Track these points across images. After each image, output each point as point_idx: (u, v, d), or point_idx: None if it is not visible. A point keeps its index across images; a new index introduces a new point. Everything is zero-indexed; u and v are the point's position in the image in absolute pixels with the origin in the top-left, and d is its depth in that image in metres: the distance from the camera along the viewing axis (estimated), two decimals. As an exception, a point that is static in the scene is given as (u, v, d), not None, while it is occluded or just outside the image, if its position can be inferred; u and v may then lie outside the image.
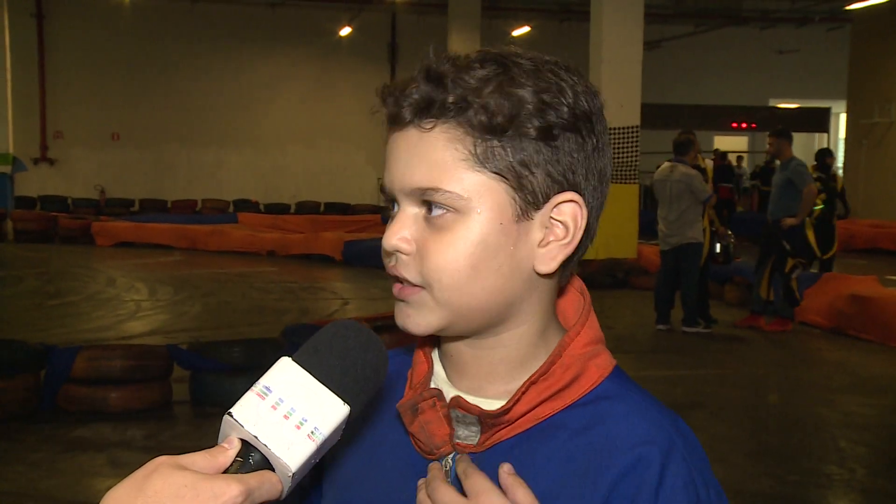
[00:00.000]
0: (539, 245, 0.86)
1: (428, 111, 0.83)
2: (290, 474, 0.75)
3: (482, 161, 0.83)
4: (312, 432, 0.76)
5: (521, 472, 0.83)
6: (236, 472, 0.74)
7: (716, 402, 6.40)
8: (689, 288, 8.58)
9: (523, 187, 0.84)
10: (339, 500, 0.97)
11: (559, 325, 0.93)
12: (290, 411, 0.76)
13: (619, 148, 9.40)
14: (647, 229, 10.80)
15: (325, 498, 0.99)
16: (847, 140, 20.26)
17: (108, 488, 0.72)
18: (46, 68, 20.66)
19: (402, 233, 0.86)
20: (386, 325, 5.77)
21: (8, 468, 4.85)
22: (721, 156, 19.00)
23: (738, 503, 4.38)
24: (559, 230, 0.86)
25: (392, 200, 0.88)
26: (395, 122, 0.86)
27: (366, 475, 0.95)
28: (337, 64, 22.42)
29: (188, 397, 6.00)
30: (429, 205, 0.85)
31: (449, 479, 0.85)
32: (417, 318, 0.87)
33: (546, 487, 0.82)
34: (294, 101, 22.16)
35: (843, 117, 23.27)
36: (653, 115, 15.62)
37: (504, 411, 0.86)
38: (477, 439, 0.88)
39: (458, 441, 0.89)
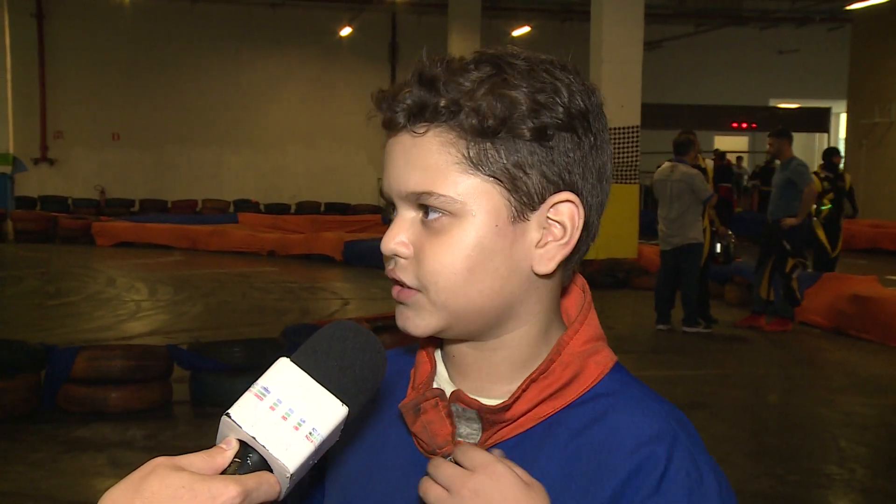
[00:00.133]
0: (536, 246, 0.86)
1: (421, 116, 0.84)
2: (289, 475, 0.75)
3: (476, 164, 0.83)
4: (310, 433, 0.76)
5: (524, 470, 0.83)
6: (234, 473, 0.74)
7: (716, 402, 6.40)
8: (689, 288, 8.58)
9: (518, 189, 0.83)
10: (342, 499, 0.97)
11: (562, 325, 0.93)
12: (288, 412, 0.76)
13: (619, 148, 9.40)
14: (648, 229, 10.79)
15: (328, 498, 0.99)
16: (847, 140, 20.26)
17: (109, 488, 0.72)
18: (46, 68, 20.66)
19: (399, 237, 0.86)
20: (386, 326, 5.78)
21: (8, 468, 4.85)
22: (720, 156, 19.00)
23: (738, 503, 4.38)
24: (556, 230, 0.86)
25: (391, 204, 0.88)
26: (390, 127, 0.87)
27: (368, 475, 0.95)
28: (337, 64, 22.41)
29: (188, 397, 6.00)
30: (425, 208, 0.85)
31: None
32: (416, 320, 0.87)
33: (549, 487, 0.82)
34: (294, 101, 22.16)
35: (843, 117, 23.27)
36: (653, 115, 15.62)
37: (504, 408, 0.86)
38: (479, 438, 0.88)
39: (460, 440, 0.89)
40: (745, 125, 23.02)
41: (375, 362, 0.82)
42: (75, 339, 7.53)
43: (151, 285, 11.33)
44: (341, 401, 0.78)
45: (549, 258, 0.86)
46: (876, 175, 18.05)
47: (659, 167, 9.54)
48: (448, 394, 0.90)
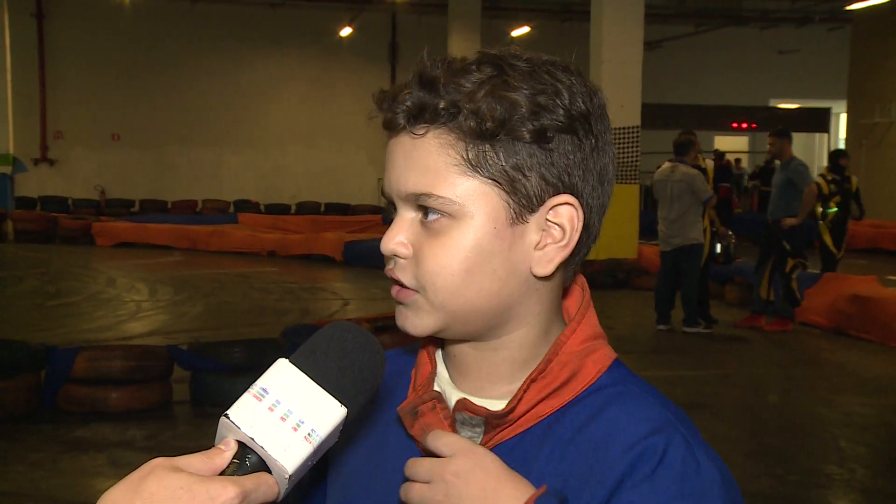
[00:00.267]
0: (536, 248, 0.86)
1: (420, 117, 0.84)
2: (287, 476, 0.75)
3: (474, 166, 0.83)
4: (309, 434, 0.76)
5: (523, 471, 0.83)
6: (233, 474, 0.74)
7: (716, 402, 6.40)
8: (689, 288, 8.57)
9: (517, 191, 0.83)
10: (343, 499, 0.97)
11: (563, 325, 0.92)
12: (287, 413, 0.76)
13: (619, 148, 9.38)
14: (648, 229, 10.80)
15: (330, 498, 0.99)
16: (847, 140, 20.25)
17: (109, 488, 0.72)
18: (46, 68, 20.66)
19: (398, 237, 0.86)
20: (386, 326, 5.78)
21: (8, 468, 4.85)
22: (719, 156, 19.01)
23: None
24: (556, 232, 0.86)
25: (392, 204, 0.89)
26: (390, 128, 0.87)
27: (369, 475, 0.95)
28: (337, 64, 22.41)
29: (188, 398, 6.00)
30: (425, 209, 0.85)
31: None
32: (415, 321, 0.87)
33: (549, 486, 0.82)
34: (294, 102, 22.16)
35: (843, 117, 23.26)
36: (653, 115, 15.61)
37: (509, 410, 0.86)
38: (480, 440, 0.88)
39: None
40: (745, 125, 23.01)
41: (374, 363, 0.82)
42: (75, 339, 7.53)
43: (151, 285, 11.33)
44: (340, 402, 0.78)
45: (548, 260, 0.86)
46: (876, 175, 18.04)
47: (659, 167, 9.53)
48: (450, 396, 0.90)
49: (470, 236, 0.83)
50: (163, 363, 5.93)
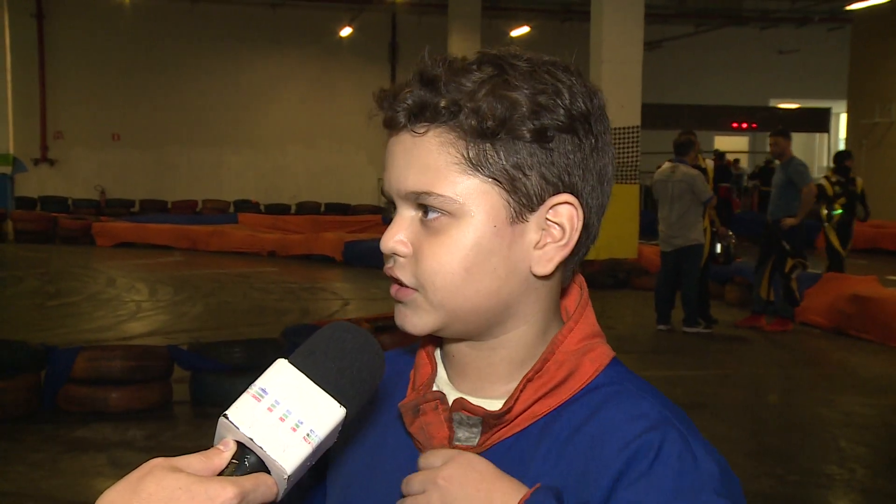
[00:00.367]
0: (535, 247, 0.86)
1: (421, 115, 0.84)
2: (286, 476, 0.75)
3: (475, 165, 0.83)
4: (308, 435, 0.76)
5: (520, 470, 0.83)
6: (231, 475, 0.74)
7: (716, 402, 6.40)
8: (689, 288, 8.57)
9: (517, 190, 0.83)
10: (342, 499, 0.97)
11: (562, 324, 0.92)
12: (285, 413, 0.76)
13: (619, 148, 9.41)
14: (648, 229, 10.79)
15: (329, 498, 0.99)
16: (847, 140, 20.25)
17: (108, 488, 0.72)
18: (46, 68, 20.66)
19: (398, 235, 0.86)
20: (386, 326, 5.78)
21: (9, 468, 4.85)
22: (719, 156, 19.01)
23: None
24: (555, 232, 0.86)
25: (391, 203, 0.89)
26: (391, 127, 0.87)
27: (368, 475, 0.95)
28: (337, 64, 22.41)
29: (188, 398, 6.00)
30: (425, 208, 0.85)
31: None
32: (414, 319, 0.87)
33: (545, 485, 0.82)
34: (294, 102, 22.16)
35: (843, 117, 23.26)
36: (653, 115, 15.62)
37: (506, 410, 0.86)
38: (477, 440, 0.88)
39: (457, 443, 0.89)
40: (745, 125, 23.02)
41: (374, 363, 0.81)
42: (75, 339, 7.53)
43: (151, 286, 11.33)
44: (339, 402, 0.78)
45: (547, 259, 0.86)
46: (876, 175, 18.02)
47: (659, 167, 9.53)
48: (448, 396, 0.90)
49: (470, 235, 0.83)
50: (163, 363, 5.93)
